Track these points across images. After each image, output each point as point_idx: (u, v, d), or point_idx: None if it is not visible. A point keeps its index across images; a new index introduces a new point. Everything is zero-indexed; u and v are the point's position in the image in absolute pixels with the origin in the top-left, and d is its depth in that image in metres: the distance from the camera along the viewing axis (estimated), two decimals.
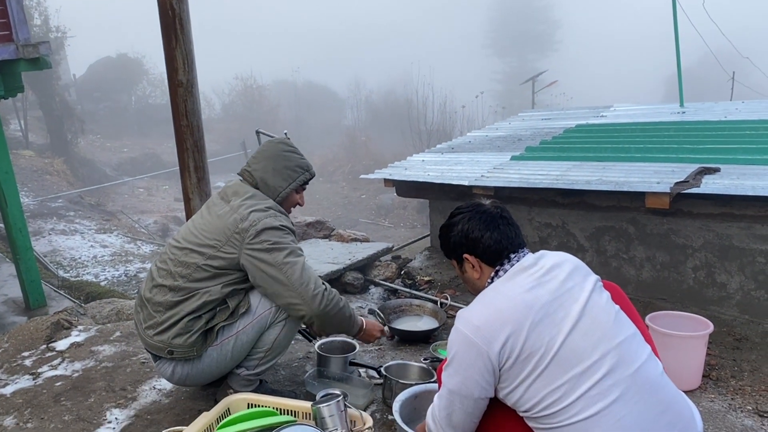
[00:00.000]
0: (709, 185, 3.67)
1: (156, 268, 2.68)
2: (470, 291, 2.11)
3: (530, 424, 1.80)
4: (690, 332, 3.02)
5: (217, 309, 2.54)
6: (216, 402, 2.74)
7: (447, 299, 3.92)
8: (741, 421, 2.77)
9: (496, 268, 1.93)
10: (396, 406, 2.55)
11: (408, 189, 5.09)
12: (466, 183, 4.47)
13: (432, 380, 2.90)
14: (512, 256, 1.94)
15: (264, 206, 2.59)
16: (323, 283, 2.62)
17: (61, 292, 7.58)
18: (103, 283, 11.66)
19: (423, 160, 5.42)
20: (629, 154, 4.55)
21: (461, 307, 3.99)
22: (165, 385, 3.09)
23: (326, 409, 2.35)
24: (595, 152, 4.76)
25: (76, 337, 3.60)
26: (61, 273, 11.61)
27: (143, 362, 3.33)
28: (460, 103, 34.37)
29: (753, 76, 21.76)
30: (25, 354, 3.44)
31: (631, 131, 5.39)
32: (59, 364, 3.31)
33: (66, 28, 23.67)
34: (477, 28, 51.92)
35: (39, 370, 3.26)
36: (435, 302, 3.95)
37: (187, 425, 2.40)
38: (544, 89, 28.19)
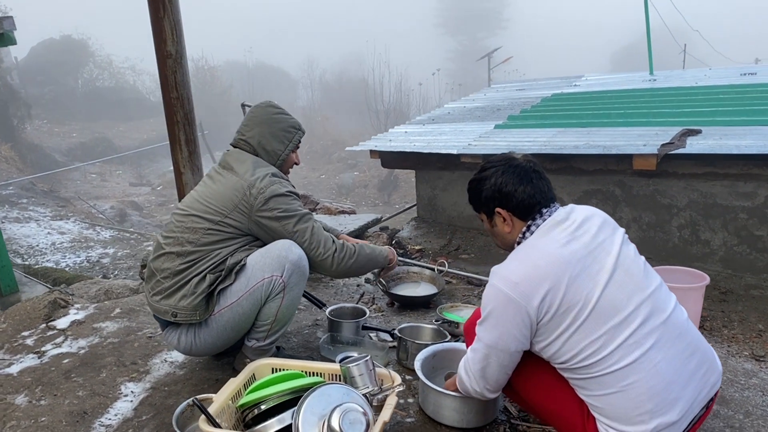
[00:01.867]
0: (694, 146, 3.82)
1: (162, 237, 2.67)
2: (498, 245, 2.15)
3: (565, 374, 1.87)
4: (688, 284, 3.16)
5: (220, 270, 2.55)
6: (234, 371, 2.76)
7: (444, 265, 3.98)
8: (741, 365, 2.93)
9: (528, 222, 1.96)
10: (417, 364, 2.60)
11: (394, 159, 5.12)
12: (454, 152, 4.52)
13: (446, 340, 2.97)
14: (544, 210, 1.96)
15: (270, 173, 2.62)
16: (333, 242, 2.68)
17: (32, 278, 7.36)
18: (66, 270, 11.37)
19: (406, 132, 5.45)
20: (611, 120, 4.67)
21: (458, 274, 4.07)
22: (177, 357, 3.07)
23: (356, 369, 2.38)
24: (577, 119, 4.88)
25: (75, 315, 3.53)
26: (18, 261, 11.25)
27: (150, 336, 3.29)
28: (415, 82, 34.48)
29: (700, 48, 22.53)
30: (26, 333, 3.35)
31: (608, 98, 5.53)
32: (63, 342, 3.25)
33: (6, 7, 22.68)
34: (428, 6, 51.92)
35: (43, 349, 3.18)
36: (432, 269, 4.01)
37: (207, 393, 2.41)
38: (498, 66, 28.53)
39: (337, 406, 2.13)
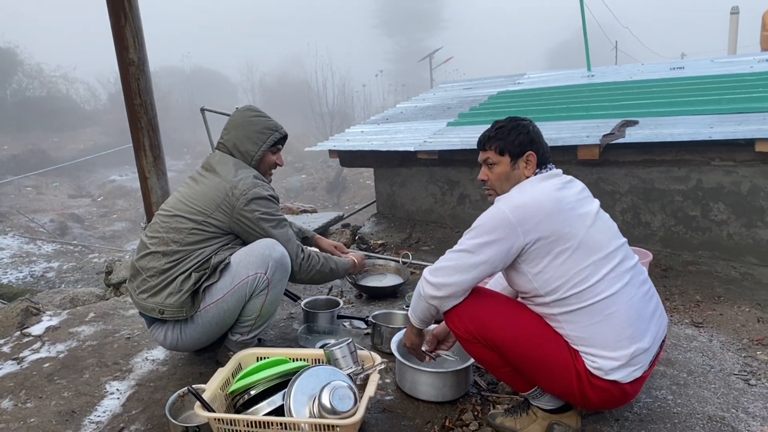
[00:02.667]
0: (633, 135, 4.14)
1: (147, 237, 2.78)
2: (501, 191, 2.31)
3: (556, 310, 2.09)
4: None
5: (205, 268, 2.67)
6: (218, 364, 2.88)
7: (408, 257, 4.18)
8: (683, 331, 3.24)
9: (538, 170, 2.26)
10: (393, 346, 2.79)
11: (353, 158, 5.29)
12: (411, 149, 4.73)
13: None
14: (549, 164, 2.30)
15: (252, 175, 2.77)
16: (303, 250, 2.89)
17: None
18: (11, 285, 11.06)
19: (362, 131, 5.63)
20: (556, 114, 4.97)
21: (421, 264, 4.27)
22: (158, 355, 3.16)
23: (339, 351, 2.54)
24: (524, 114, 5.14)
25: (49, 321, 3.56)
26: None
27: (128, 337, 3.36)
28: (358, 84, 34.69)
29: (630, 45, 23.60)
30: (1, 342, 3.37)
31: (551, 94, 5.85)
32: (40, 348, 3.28)
33: None
34: (366, 8, 52.21)
35: (21, 355, 3.21)
36: (396, 261, 4.20)
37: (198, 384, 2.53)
38: (440, 66, 29.03)
39: (326, 385, 2.30)
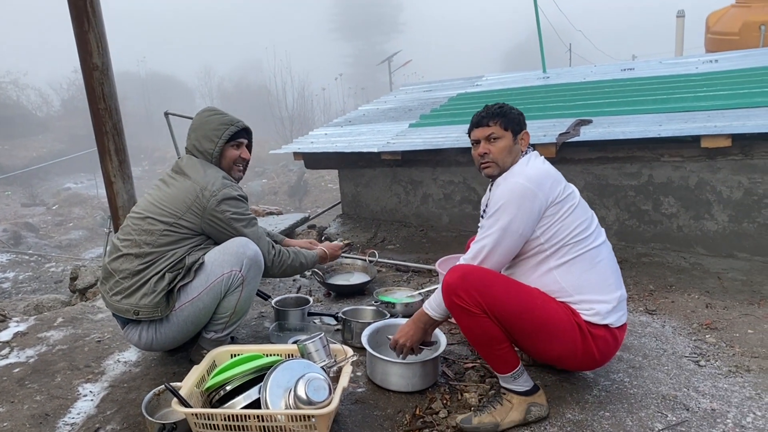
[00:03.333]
0: (587, 134, 4.32)
1: (118, 240, 2.82)
2: (502, 164, 2.56)
3: (559, 260, 2.40)
4: None
5: (179, 269, 2.72)
6: (191, 362, 2.92)
7: (375, 255, 4.27)
8: (638, 318, 3.41)
9: (528, 149, 2.61)
10: (364, 339, 2.88)
11: (317, 160, 5.36)
12: (375, 150, 4.83)
13: (386, 317, 3.26)
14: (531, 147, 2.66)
15: (221, 176, 2.82)
16: (273, 246, 2.97)
17: None
18: None
19: (326, 134, 5.71)
20: None
21: (387, 262, 4.37)
22: (129, 356, 3.19)
23: (312, 345, 2.62)
24: None
25: (16, 327, 3.54)
26: None
27: (98, 341, 3.37)
28: (317, 88, 34.66)
29: (583, 47, 24.22)
30: None
31: (508, 95, 6.02)
32: (9, 354, 3.27)
33: None
34: (324, 12, 52.16)
35: None
36: (363, 260, 4.29)
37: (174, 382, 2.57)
38: (399, 69, 29.27)
39: (301, 377, 2.37)
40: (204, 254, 2.75)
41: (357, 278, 4.14)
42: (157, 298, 2.66)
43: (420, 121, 5.57)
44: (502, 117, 2.54)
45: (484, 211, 2.75)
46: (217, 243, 2.83)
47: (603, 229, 2.57)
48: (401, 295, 3.71)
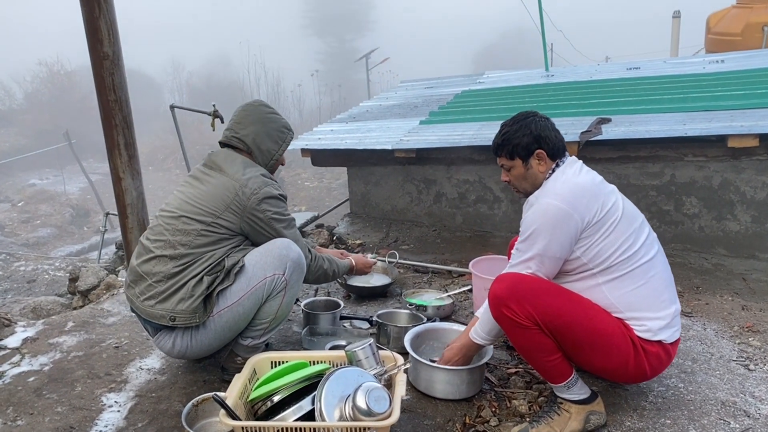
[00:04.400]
0: (610, 132, 4.25)
1: (149, 241, 2.63)
2: (523, 189, 2.45)
3: (604, 278, 2.24)
4: None
5: (217, 272, 2.56)
6: (223, 370, 2.77)
7: (395, 256, 4.14)
8: None
9: (556, 161, 2.36)
10: (408, 344, 2.75)
11: (326, 157, 5.20)
12: (389, 147, 4.70)
13: (423, 322, 3.13)
14: (566, 154, 2.40)
15: (259, 174, 2.67)
16: (309, 251, 2.84)
17: None
18: None
19: (332, 130, 5.55)
20: None
21: (406, 263, 4.24)
22: (152, 364, 3.00)
23: (361, 352, 2.47)
24: (496, 113, 5.22)
25: (24, 332, 3.31)
26: None
27: (116, 346, 3.18)
28: (290, 84, 34.25)
29: (561, 47, 24.40)
30: None
31: (516, 93, 5.95)
32: (21, 361, 3.05)
33: None
34: (295, 8, 51.69)
35: (0, 370, 2.99)
36: (383, 261, 4.15)
37: (196, 397, 2.41)
38: (375, 67, 29.05)
39: (359, 386, 2.23)
40: (244, 256, 2.58)
41: (377, 280, 4.00)
42: (195, 303, 2.49)
43: (430, 118, 5.45)
44: (506, 146, 2.40)
45: None
46: (255, 244, 2.66)
47: (655, 236, 2.39)
48: (429, 298, 3.59)
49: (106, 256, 5.38)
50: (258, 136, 2.73)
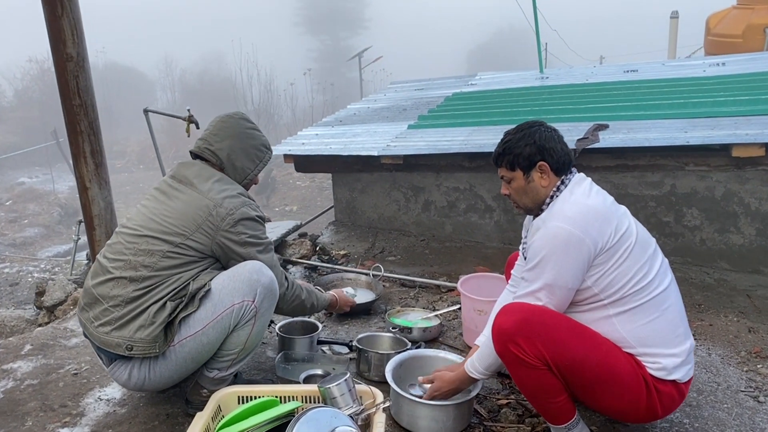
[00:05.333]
0: (607, 140, 4.03)
1: (107, 260, 2.38)
2: (523, 205, 2.25)
3: (615, 310, 2.04)
4: None
5: (182, 296, 2.32)
6: (188, 403, 2.54)
7: (380, 270, 3.91)
8: None
9: (561, 177, 2.14)
10: (389, 375, 2.52)
11: (309, 163, 4.97)
12: (375, 153, 4.47)
13: (407, 348, 2.90)
14: (573, 169, 2.18)
15: (236, 192, 2.44)
16: (286, 279, 2.62)
17: None
18: None
19: (317, 134, 5.31)
20: (521, 117, 4.81)
21: (393, 277, 4.01)
22: (112, 394, 2.76)
23: (337, 389, 2.25)
24: (487, 117, 5.00)
25: None
26: None
27: (75, 373, 2.93)
28: (283, 82, 33.95)
29: (556, 47, 24.20)
30: None
31: (510, 96, 5.72)
32: None
33: None
34: (288, 5, 51.35)
35: None
36: (367, 274, 3.92)
37: (160, 431, 2.19)
38: (368, 65, 28.80)
39: (333, 430, 2.01)
40: (210, 279, 2.34)
41: (361, 296, 3.76)
42: (156, 331, 2.24)
43: (419, 122, 5.21)
44: (506, 155, 2.19)
45: (525, 239, 2.39)
46: (224, 268, 2.42)
47: (667, 263, 2.17)
48: (415, 317, 3.36)
49: (79, 269, 5.14)
50: (234, 152, 2.50)
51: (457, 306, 3.49)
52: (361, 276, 3.93)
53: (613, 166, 4.18)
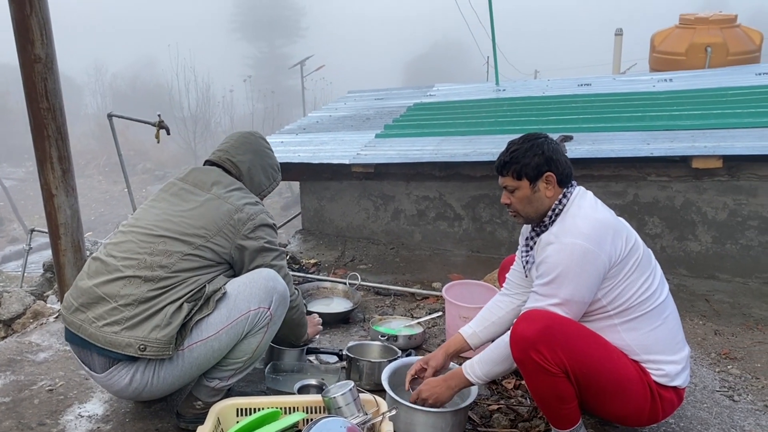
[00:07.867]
0: (574, 151, 4.17)
1: (113, 258, 2.30)
2: (525, 214, 2.26)
3: (620, 319, 2.10)
4: None
5: (197, 298, 2.27)
6: (179, 417, 2.47)
7: (357, 278, 3.90)
8: None
9: (564, 190, 2.19)
10: (385, 382, 2.52)
11: None
12: (346, 161, 4.47)
13: (398, 355, 2.91)
14: (574, 182, 2.25)
15: (255, 200, 2.50)
16: (296, 289, 2.64)
17: None
18: None
19: (282, 142, 5.26)
20: (488, 128, 4.93)
21: (370, 286, 4.01)
22: (94, 410, 2.64)
23: (342, 398, 2.23)
24: (454, 127, 5.08)
25: None
26: None
27: (50, 389, 2.79)
28: (219, 89, 33.38)
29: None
30: None
31: (471, 108, 5.83)
32: None
33: None
34: (223, 11, 50.66)
35: None
36: (344, 283, 3.90)
37: None
38: (311, 74, 28.69)
39: None
40: (226, 283, 2.31)
41: (338, 304, 3.75)
42: (172, 332, 2.17)
43: (386, 131, 5.25)
44: (513, 164, 2.21)
45: (526, 248, 2.42)
46: (236, 274, 2.41)
47: (662, 272, 2.26)
48: (398, 325, 3.36)
49: (33, 282, 4.89)
50: (254, 167, 2.59)
51: (438, 313, 3.52)
52: (338, 285, 3.90)
53: (578, 176, 4.22)
